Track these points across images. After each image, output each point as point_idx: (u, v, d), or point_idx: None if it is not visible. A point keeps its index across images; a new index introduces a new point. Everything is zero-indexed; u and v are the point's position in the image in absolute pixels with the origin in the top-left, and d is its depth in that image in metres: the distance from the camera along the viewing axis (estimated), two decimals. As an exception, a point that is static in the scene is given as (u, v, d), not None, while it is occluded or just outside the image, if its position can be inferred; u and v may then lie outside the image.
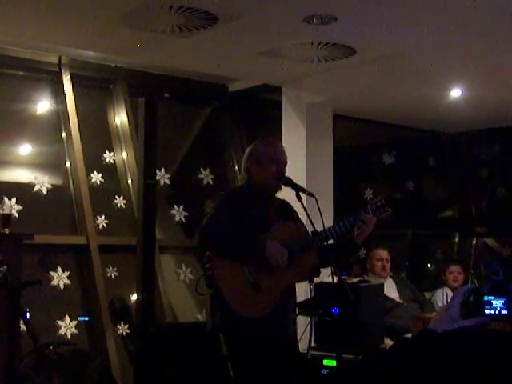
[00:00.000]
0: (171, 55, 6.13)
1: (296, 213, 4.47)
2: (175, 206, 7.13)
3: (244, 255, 4.16)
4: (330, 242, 4.39)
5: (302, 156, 6.74)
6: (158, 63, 6.70)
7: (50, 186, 6.39)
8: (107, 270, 6.53)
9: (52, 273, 6.26)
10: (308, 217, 4.26)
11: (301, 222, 4.48)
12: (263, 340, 4.16)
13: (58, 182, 6.52)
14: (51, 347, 5.38)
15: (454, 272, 7.35)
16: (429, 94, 6.93)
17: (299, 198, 4.27)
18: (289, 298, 4.31)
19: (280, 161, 4.41)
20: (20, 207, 6.12)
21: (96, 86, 6.95)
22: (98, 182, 6.67)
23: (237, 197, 4.38)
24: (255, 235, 4.18)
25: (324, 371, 5.49)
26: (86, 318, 6.38)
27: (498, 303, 1.91)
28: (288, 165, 4.48)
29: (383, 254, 6.90)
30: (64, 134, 6.57)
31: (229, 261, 4.15)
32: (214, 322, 4.26)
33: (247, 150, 4.51)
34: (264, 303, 4.16)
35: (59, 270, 6.29)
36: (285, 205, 4.51)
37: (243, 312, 4.11)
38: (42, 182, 6.36)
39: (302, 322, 4.56)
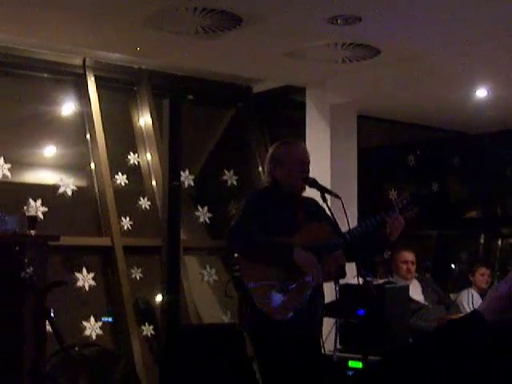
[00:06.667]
0: (195, 57, 6.13)
1: (323, 209, 4.42)
2: (199, 208, 7.14)
3: (271, 259, 4.16)
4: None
5: (327, 157, 6.72)
6: (182, 65, 6.71)
7: (74, 188, 6.41)
8: (132, 271, 6.54)
9: (77, 274, 6.28)
10: (333, 218, 4.24)
11: (329, 218, 4.42)
12: (291, 341, 4.15)
13: (83, 183, 6.55)
14: (76, 348, 5.41)
15: (485, 274, 7.29)
16: (454, 94, 6.89)
17: (324, 200, 4.26)
18: (317, 298, 4.30)
19: (303, 161, 4.39)
20: (45, 209, 6.15)
21: (120, 88, 6.98)
22: (123, 184, 6.69)
23: (263, 198, 4.38)
24: (282, 238, 4.17)
25: (349, 373, 5.48)
26: (111, 319, 6.40)
27: None
28: (312, 166, 4.46)
29: (409, 256, 6.84)
30: (88, 136, 6.59)
31: (256, 263, 4.15)
32: (243, 323, 4.26)
33: (269, 153, 4.50)
34: (291, 305, 4.15)
35: (84, 271, 6.31)
36: (312, 203, 4.48)
37: (270, 314, 4.11)
38: (67, 183, 6.38)
39: (328, 324, 4.55)
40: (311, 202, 4.50)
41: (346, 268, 4.38)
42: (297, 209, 4.35)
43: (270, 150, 4.50)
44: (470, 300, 7.00)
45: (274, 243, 4.17)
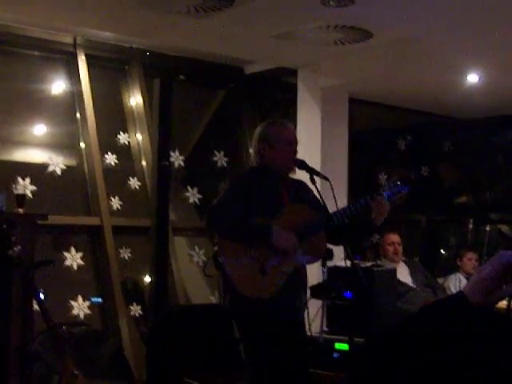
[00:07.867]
0: (187, 37, 6.10)
1: (311, 191, 4.40)
2: (189, 188, 7.12)
3: (249, 240, 4.15)
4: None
5: (317, 139, 6.73)
6: (173, 45, 6.68)
7: (64, 167, 6.39)
8: (120, 251, 6.53)
9: (66, 253, 6.27)
10: (322, 200, 4.24)
11: (317, 200, 4.37)
12: (271, 322, 4.15)
13: (73, 162, 6.52)
14: (64, 327, 5.40)
15: (473, 259, 7.32)
16: (445, 78, 6.89)
17: (313, 182, 4.24)
18: (299, 279, 4.28)
19: (292, 142, 4.37)
20: (34, 187, 6.12)
21: (111, 67, 6.94)
22: (113, 163, 6.67)
23: (249, 178, 4.35)
24: (263, 219, 4.16)
25: (336, 355, 5.50)
26: (99, 299, 6.40)
27: None
28: (303, 148, 4.45)
29: (394, 237, 6.88)
30: (78, 115, 6.56)
31: (236, 244, 4.14)
32: (224, 303, 4.26)
33: (257, 133, 4.44)
34: (270, 286, 4.13)
35: (73, 250, 6.30)
36: (299, 184, 4.47)
37: (248, 294, 4.10)
38: (57, 162, 6.36)
39: (315, 306, 4.55)
40: (299, 183, 4.48)
41: (334, 250, 4.38)
42: (283, 190, 4.33)
43: (259, 130, 4.45)
44: (457, 284, 7.03)
45: (253, 224, 4.16)
